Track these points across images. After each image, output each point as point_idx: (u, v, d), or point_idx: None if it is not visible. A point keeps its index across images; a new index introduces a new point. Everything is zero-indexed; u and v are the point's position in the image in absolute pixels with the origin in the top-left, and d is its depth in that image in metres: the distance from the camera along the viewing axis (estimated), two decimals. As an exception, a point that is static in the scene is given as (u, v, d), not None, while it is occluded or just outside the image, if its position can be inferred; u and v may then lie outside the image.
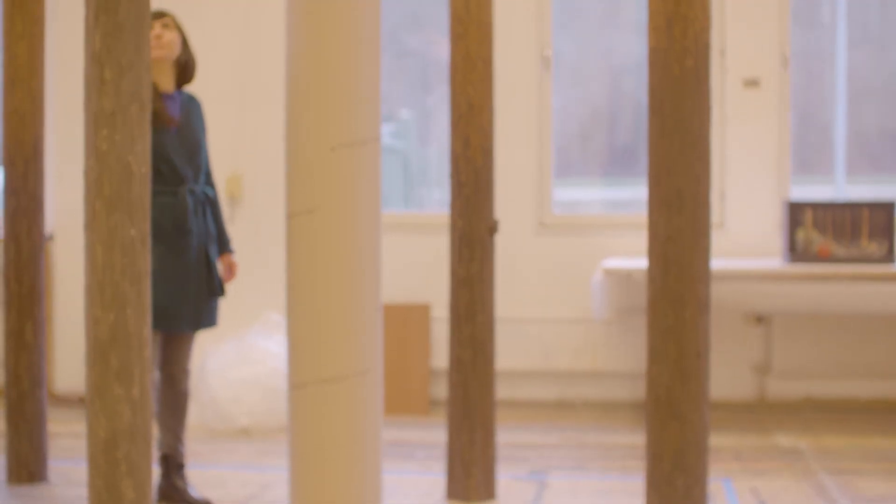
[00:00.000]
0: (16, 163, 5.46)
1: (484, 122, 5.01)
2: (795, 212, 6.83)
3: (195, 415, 6.80)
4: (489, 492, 5.09)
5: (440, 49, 7.73)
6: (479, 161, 5.02)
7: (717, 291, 6.94)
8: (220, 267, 5.13)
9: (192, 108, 4.99)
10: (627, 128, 7.72)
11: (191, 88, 7.34)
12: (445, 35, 7.54)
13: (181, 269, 4.91)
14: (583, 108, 7.68)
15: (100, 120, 3.37)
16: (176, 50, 5.02)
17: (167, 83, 4.95)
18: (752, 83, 7.26)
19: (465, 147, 5.02)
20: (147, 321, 3.42)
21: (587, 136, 7.72)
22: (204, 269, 4.99)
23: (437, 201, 7.77)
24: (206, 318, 5.02)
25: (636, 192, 7.56)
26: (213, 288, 5.03)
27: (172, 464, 5.08)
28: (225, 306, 7.26)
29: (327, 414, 4.57)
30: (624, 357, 7.29)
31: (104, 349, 3.37)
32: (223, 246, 5.15)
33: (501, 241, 6.83)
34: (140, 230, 3.40)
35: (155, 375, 4.97)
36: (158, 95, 4.86)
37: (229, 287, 5.46)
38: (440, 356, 7.21)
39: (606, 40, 7.68)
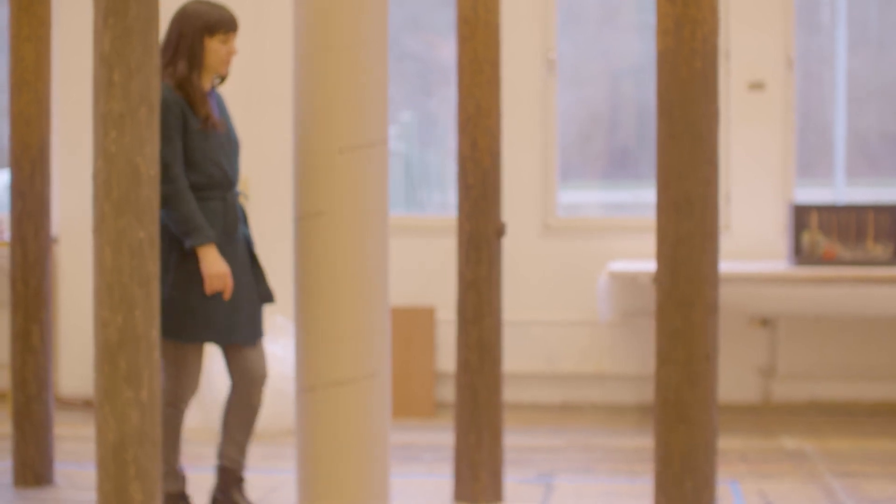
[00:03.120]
0: (22, 165, 5.46)
1: (492, 125, 5.01)
2: (800, 214, 6.83)
3: (200, 418, 6.79)
4: (496, 494, 5.09)
5: (441, 52, 7.73)
6: (487, 163, 5.01)
7: (723, 294, 6.93)
8: None
9: (223, 106, 4.77)
10: (629, 130, 7.71)
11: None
12: (446, 37, 7.56)
13: (233, 277, 4.64)
14: (585, 110, 7.68)
15: (108, 122, 3.38)
16: None
17: (207, 85, 4.70)
18: (756, 86, 7.26)
19: (473, 149, 5.01)
20: (156, 323, 3.42)
21: (589, 139, 7.71)
22: (253, 275, 4.74)
23: (438, 204, 7.77)
24: (259, 327, 4.74)
25: (638, 195, 7.56)
26: (264, 294, 4.77)
27: (232, 478, 4.80)
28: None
29: (335, 417, 4.57)
30: (629, 360, 7.28)
31: (113, 352, 3.37)
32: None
33: (506, 244, 6.82)
34: (149, 232, 3.40)
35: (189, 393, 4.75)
36: (206, 99, 4.61)
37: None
38: (445, 359, 7.20)
39: (608, 43, 7.68)
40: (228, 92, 7.33)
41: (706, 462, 4.25)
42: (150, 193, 3.41)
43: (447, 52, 7.48)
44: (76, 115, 7.16)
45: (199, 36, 4.54)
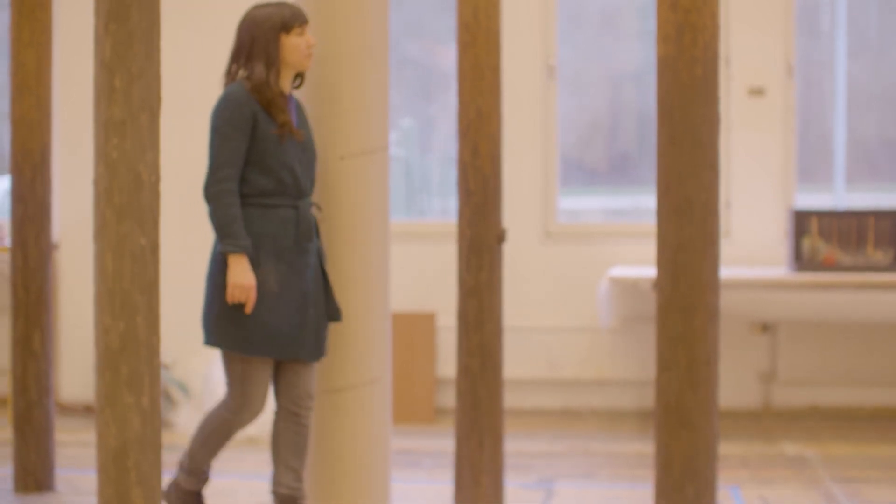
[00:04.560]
0: (23, 171, 5.46)
1: (493, 131, 5.01)
2: (801, 220, 6.83)
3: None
4: (497, 500, 5.09)
5: (441, 58, 7.74)
6: (488, 169, 5.02)
7: (723, 300, 6.91)
8: None
9: (301, 111, 4.56)
10: (630, 136, 7.72)
11: (200, 98, 7.36)
12: (446, 44, 7.57)
13: (303, 290, 4.42)
14: (585, 116, 7.69)
15: (110, 128, 3.37)
16: None
17: (286, 87, 4.51)
18: (756, 92, 7.26)
19: (474, 155, 5.02)
20: (157, 329, 3.42)
21: (590, 145, 7.72)
22: (322, 291, 4.50)
23: (438, 210, 7.77)
24: (324, 345, 4.51)
25: (638, 201, 7.56)
26: (332, 311, 4.53)
27: None
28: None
29: (337, 423, 4.57)
30: (630, 365, 7.29)
31: (114, 358, 3.37)
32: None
33: (507, 250, 6.82)
34: (150, 239, 3.40)
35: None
36: (286, 105, 4.45)
37: None
38: (446, 364, 7.20)
39: (609, 49, 7.68)
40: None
41: (707, 467, 4.26)
42: (152, 199, 3.40)
43: (448, 58, 7.49)
44: (77, 120, 7.17)
45: (275, 36, 4.41)
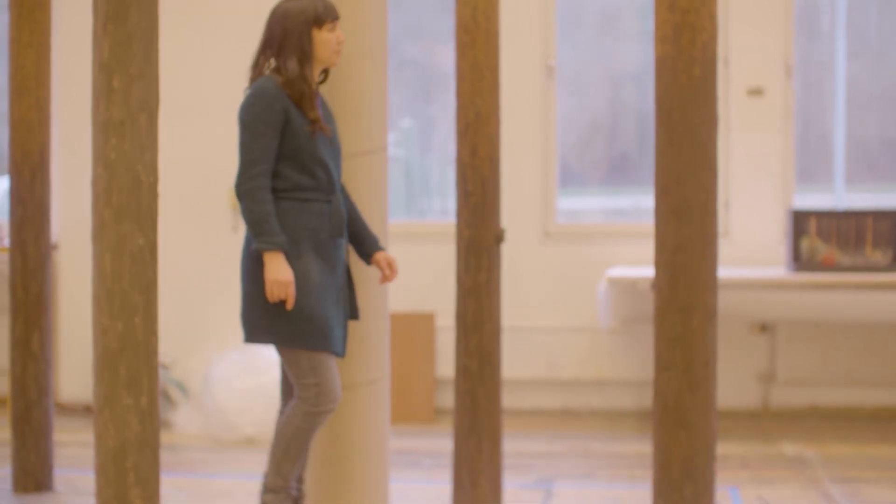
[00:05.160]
0: (22, 172, 5.46)
1: (491, 131, 5.02)
2: (800, 220, 6.83)
3: (200, 424, 6.80)
4: (496, 500, 5.09)
5: (441, 58, 7.74)
6: (487, 170, 5.02)
7: (722, 300, 6.92)
8: (378, 267, 4.57)
9: (325, 106, 4.51)
10: (629, 136, 7.72)
11: (199, 99, 7.37)
12: (446, 44, 7.57)
13: (336, 284, 4.39)
14: (585, 116, 7.69)
15: (108, 129, 3.38)
16: None
17: (314, 81, 4.45)
18: (755, 92, 7.27)
19: (473, 156, 5.02)
20: (155, 330, 3.43)
21: (589, 145, 7.72)
22: (347, 288, 4.48)
23: (438, 210, 7.77)
24: (346, 339, 4.47)
25: (637, 201, 7.56)
26: (352, 309, 4.51)
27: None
28: (229, 315, 7.27)
29: (335, 423, 4.58)
30: (629, 365, 7.29)
31: (113, 358, 3.37)
32: (373, 245, 4.56)
33: (506, 251, 6.83)
34: (149, 239, 3.40)
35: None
36: (315, 102, 4.39)
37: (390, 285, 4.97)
38: (445, 365, 7.20)
39: (608, 49, 7.69)
40: (228, 99, 7.34)
41: (705, 468, 4.26)
42: (150, 200, 3.41)
43: (447, 58, 7.49)
44: (76, 121, 7.17)
45: (307, 30, 4.33)
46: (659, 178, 4.28)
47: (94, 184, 3.39)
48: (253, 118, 4.30)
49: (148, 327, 3.40)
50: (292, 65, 4.34)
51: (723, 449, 6.12)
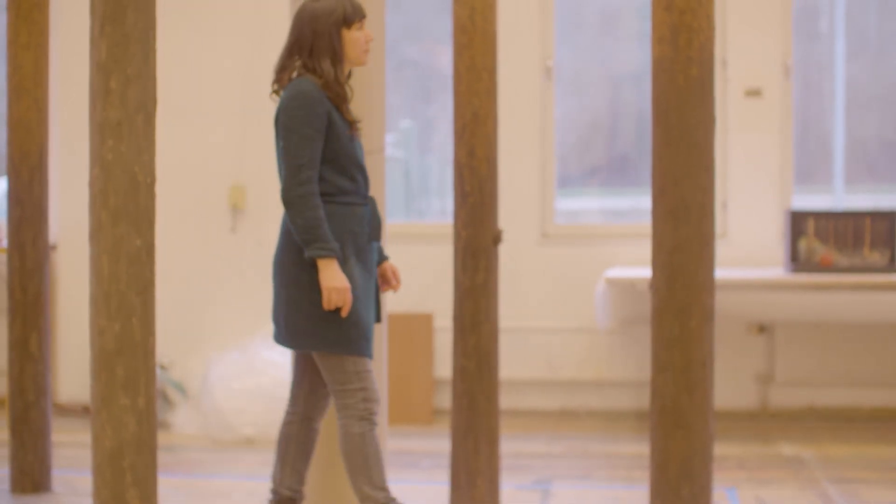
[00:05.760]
0: (21, 172, 5.47)
1: (488, 132, 5.02)
2: (797, 221, 6.84)
3: (198, 425, 6.80)
4: (494, 501, 5.09)
5: (440, 59, 7.74)
6: (484, 171, 5.02)
7: (720, 301, 6.94)
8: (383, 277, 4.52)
9: None
10: (627, 137, 7.72)
11: (194, 99, 7.37)
12: (445, 45, 7.57)
13: (372, 288, 4.34)
14: (584, 117, 7.69)
15: (105, 130, 3.38)
16: None
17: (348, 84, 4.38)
18: (753, 93, 7.27)
19: (470, 157, 5.02)
20: (152, 331, 3.43)
21: (588, 146, 7.72)
22: (376, 292, 4.41)
23: (437, 211, 7.78)
24: None
25: (636, 202, 7.56)
26: (378, 314, 4.44)
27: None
28: (228, 316, 7.27)
29: (334, 424, 4.57)
30: (627, 366, 7.29)
31: (110, 359, 3.37)
32: (380, 254, 4.50)
33: (504, 252, 6.83)
34: (146, 240, 3.40)
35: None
36: (348, 104, 4.32)
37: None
38: (443, 366, 7.21)
39: (607, 50, 7.69)
40: (226, 99, 7.36)
41: (703, 468, 4.26)
42: (148, 201, 3.41)
43: (446, 59, 7.49)
44: (75, 122, 7.18)
45: (337, 30, 4.24)
46: (656, 178, 4.29)
47: (91, 185, 3.39)
48: (297, 122, 4.17)
49: (145, 328, 3.40)
50: (327, 67, 4.24)
51: (721, 449, 6.12)
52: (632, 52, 7.59)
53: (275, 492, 4.41)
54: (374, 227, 4.33)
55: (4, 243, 6.92)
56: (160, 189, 3.61)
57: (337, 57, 4.26)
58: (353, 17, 4.27)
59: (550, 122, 7.39)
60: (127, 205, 3.37)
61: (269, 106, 7.27)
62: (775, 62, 7.27)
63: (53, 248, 7.42)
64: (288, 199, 4.14)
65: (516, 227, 7.21)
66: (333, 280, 4.14)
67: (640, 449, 6.34)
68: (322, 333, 4.18)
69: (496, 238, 5.04)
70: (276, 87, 4.31)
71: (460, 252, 5.04)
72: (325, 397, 4.40)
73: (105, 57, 3.36)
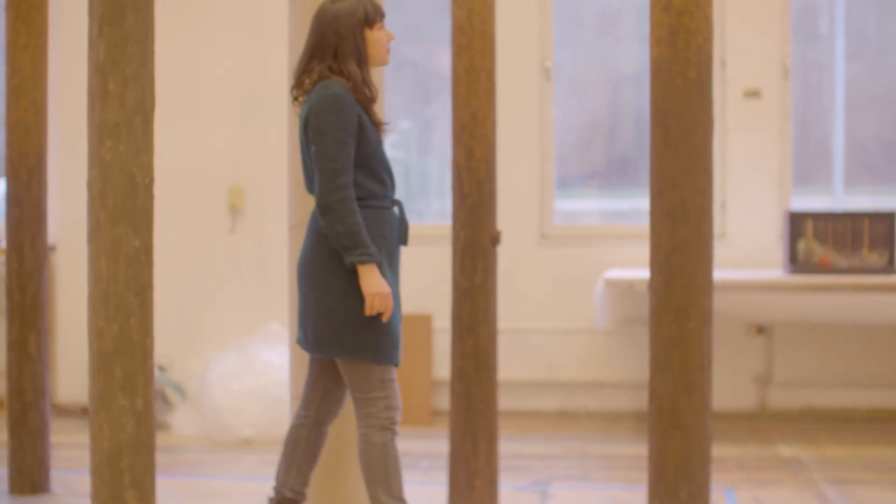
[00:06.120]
0: (19, 173, 5.47)
1: (487, 133, 5.02)
2: (796, 222, 6.84)
3: (197, 425, 6.80)
4: (492, 502, 5.09)
5: (440, 60, 7.75)
6: (483, 172, 5.02)
7: (719, 302, 6.94)
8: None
9: None
10: (626, 138, 7.73)
11: (192, 100, 7.38)
12: (445, 46, 7.57)
13: (399, 293, 4.24)
14: (583, 118, 7.69)
15: (104, 131, 3.37)
16: None
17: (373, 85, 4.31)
18: (752, 94, 7.27)
19: (469, 158, 5.02)
20: (151, 332, 3.43)
21: (587, 147, 7.73)
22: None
23: (436, 212, 7.78)
24: None
25: (635, 203, 7.57)
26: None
27: None
28: (227, 317, 7.27)
29: (334, 424, 4.57)
30: (626, 367, 7.29)
31: (108, 360, 3.37)
32: None
33: (503, 253, 6.82)
34: (144, 241, 3.40)
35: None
36: (374, 105, 4.25)
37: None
38: (442, 366, 7.21)
39: (606, 51, 7.69)
40: (225, 101, 7.36)
41: (700, 469, 4.26)
42: (146, 202, 3.41)
43: (446, 60, 7.49)
44: (74, 123, 7.18)
45: (360, 31, 4.16)
46: (654, 180, 4.29)
47: (90, 186, 3.39)
48: (332, 126, 4.06)
49: (143, 329, 3.40)
50: (353, 69, 4.16)
51: (719, 450, 6.12)
52: (631, 54, 7.59)
53: (277, 491, 4.37)
54: (403, 230, 4.26)
55: (3, 244, 6.92)
56: (159, 190, 3.61)
57: (362, 58, 4.18)
58: (374, 17, 4.20)
59: (549, 123, 7.39)
60: (125, 205, 3.37)
61: (268, 106, 7.31)
62: (774, 63, 7.28)
63: (52, 248, 7.42)
64: (325, 204, 4.04)
65: (515, 228, 7.21)
66: (377, 286, 4.06)
67: (638, 450, 6.34)
68: (353, 340, 4.09)
69: (495, 239, 5.04)
70: (296, 92, 4.22)
71: (459, 253, 5.04)
72: (338, 403, 4.33)
73: (103, 58, 3.36)
